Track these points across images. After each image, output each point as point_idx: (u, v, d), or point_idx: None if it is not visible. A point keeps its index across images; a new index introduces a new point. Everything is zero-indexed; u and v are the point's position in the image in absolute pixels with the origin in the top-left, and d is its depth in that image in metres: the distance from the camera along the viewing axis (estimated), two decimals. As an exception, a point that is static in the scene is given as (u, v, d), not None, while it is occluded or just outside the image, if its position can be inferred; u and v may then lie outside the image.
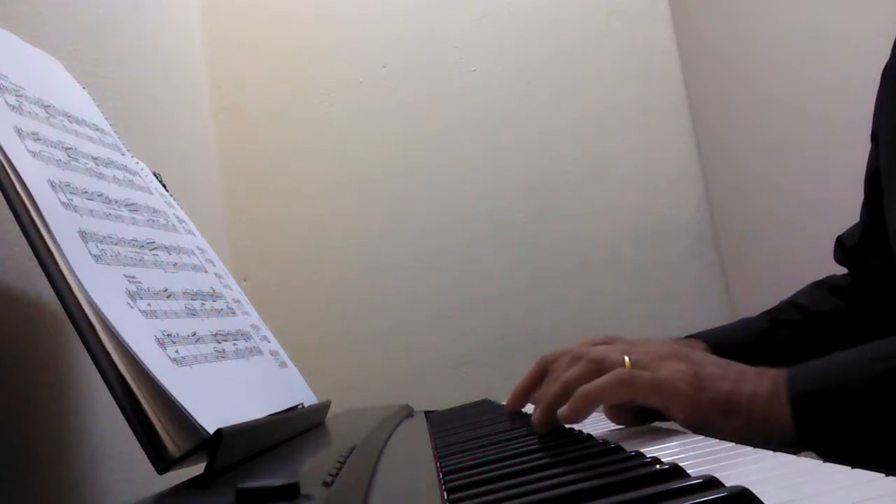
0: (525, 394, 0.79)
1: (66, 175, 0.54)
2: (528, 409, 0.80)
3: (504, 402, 0.84)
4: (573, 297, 1.40)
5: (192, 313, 0.58)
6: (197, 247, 0.72)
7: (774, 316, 0.90)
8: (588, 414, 0.63)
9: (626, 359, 0.64)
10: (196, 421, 0.47)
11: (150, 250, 0.59)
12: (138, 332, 0.48)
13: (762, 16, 1.99)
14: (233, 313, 0.67)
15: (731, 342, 0.85)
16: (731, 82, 1.98)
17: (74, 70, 0.73)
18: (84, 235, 0.51)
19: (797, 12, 1.98)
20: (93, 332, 0.46)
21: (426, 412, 1.02)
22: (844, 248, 0.95)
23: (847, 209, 0.95)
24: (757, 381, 0.61)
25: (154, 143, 1.11)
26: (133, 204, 0.61)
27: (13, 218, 0.48)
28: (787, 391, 0.59)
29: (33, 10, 0.80)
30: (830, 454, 0.58)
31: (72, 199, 0.52)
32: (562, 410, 0.61)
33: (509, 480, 0.43)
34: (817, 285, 0.95)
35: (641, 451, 0.47)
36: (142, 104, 1.10)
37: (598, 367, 0.64)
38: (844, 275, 0.95)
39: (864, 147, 0.89)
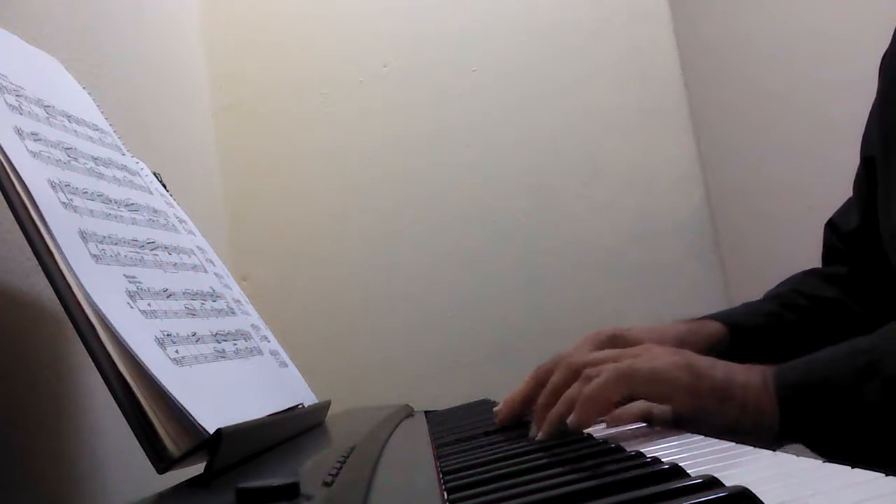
0: (520, 404, 0.73)
1: (66, 175, 0.54)
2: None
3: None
4: (573, 297, 1.39)
5: (192, 313, 0.58)
6: (197, 247, 0.72)
7: (781, 300, 0.89)
8: (598, 416, 0.64)
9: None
10: (196, 421, 0.47)
11: (150, 250, 0.59)
12: (138, 332, 0.48)
13: (762, 16, 1.99)
14: (233, 313, 0.67)
15: (745, 323, 0.85)
16: (731, 82, 1.98)
17: (74, 70, 0.73)
18: (84, 235, 0.51)
19: (797, 12, 1.98)
20: (93, 332, 0.46)
21: (426, 412, 1.02)
22: (839, 233, 0.92)
23: (847, 209, 0.95)
24: (747, 374, 0.62)
25: (154, 143, 1.11)
26: (133, 204, 0.61)
27: (13, 218, 0.48)
28: (774, 384, 0.60)
29: (33, 10, 0.80)
30: (813, 446, 0.60)
31: (72, 199, 0.52)
32: (572, 418, 0.61)
33: (509, 480, 0.43)
34: (809, 274, 0.93)
35: (641, 451, 0.47)
36: (142, 104, 1.10)
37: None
38: (835, 266, 0.93)
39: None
